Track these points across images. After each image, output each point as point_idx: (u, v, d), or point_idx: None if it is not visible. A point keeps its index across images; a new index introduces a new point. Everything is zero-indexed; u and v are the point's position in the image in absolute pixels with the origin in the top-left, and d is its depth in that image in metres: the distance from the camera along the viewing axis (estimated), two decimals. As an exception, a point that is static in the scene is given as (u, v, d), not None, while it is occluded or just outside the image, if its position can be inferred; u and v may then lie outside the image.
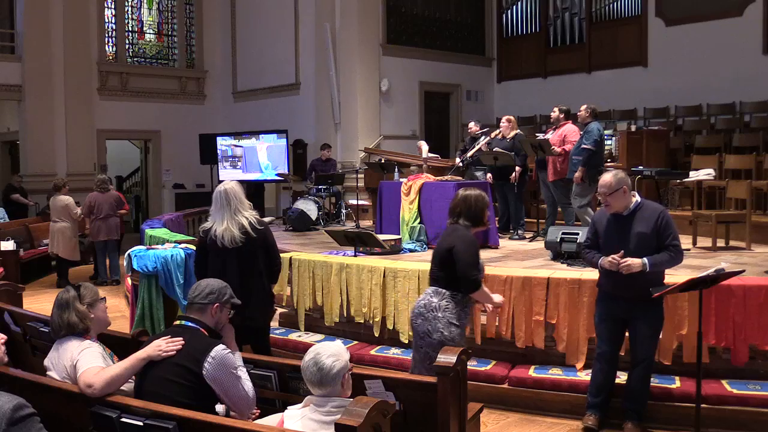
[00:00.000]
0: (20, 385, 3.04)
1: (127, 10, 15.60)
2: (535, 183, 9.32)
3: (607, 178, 4.21)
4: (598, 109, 8.45)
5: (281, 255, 6.31)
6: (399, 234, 8.30)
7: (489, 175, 8.92)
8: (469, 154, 9.28)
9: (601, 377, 4.36)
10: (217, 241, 4.19)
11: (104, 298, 3.35)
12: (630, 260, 4.03)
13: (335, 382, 2.66)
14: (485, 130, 9.85)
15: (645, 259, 4.04)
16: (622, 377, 4.47)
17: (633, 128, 10.46)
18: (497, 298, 4.15)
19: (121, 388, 2.98)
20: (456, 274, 3.85)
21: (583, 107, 8.04)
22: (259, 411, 3.22)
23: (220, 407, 3.06)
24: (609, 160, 9.22)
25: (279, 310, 6.71)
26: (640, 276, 4.08)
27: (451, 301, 3.86)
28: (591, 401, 4.39)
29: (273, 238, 4.44)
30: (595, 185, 7.84)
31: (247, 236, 4.19)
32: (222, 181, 13.84)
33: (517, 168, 8.61)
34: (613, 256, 4.06)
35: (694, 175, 8.81)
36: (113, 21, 15.34)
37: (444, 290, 3.89)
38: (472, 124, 10.06)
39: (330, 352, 2.70)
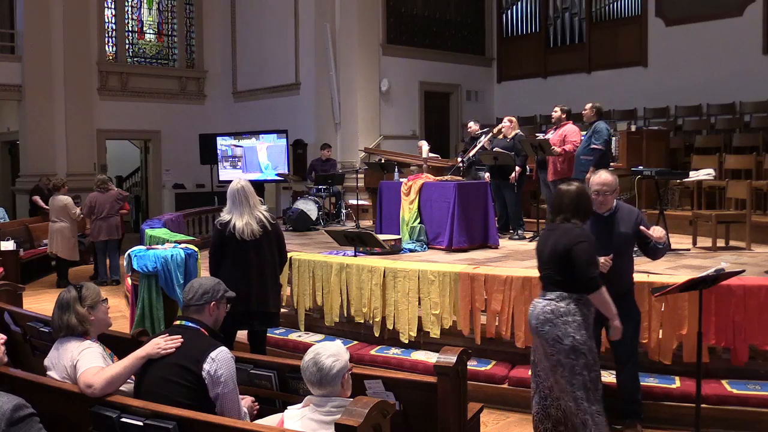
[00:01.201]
0: (20, 385, 3.04)
1: (127, 10, 15.61)
2: (534, 183, 9.32)
3: (609, 176, 4.22)
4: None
5: (281, 255, 6.34)
6: (399, 234, 8.30)
7: (486, 174, 8.93)
8: (471, 153, 9.28)
9: None
10: (236, 234, 4.47)
11: (106, 299, 3.33)
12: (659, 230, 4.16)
13: (335, 382, 2.66)
14: (485, 129, 9.85)
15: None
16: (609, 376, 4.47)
17: (633, 128, 10.46)
18: (617, 321, 3.83)
19: (121, 388, 2.98)
20: (576, 275, 3.67)
21: (588, 106, 8.00)
22: (258, 406, 3.21)
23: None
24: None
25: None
26: (621, 274, 4.12)
27: (578, 304, 3.69)
28: None
29: (282, 233, 4.84)
30: None
31: (264, 230, 4.54)
32: (225, 181, 13.90)
33: (517, 168, 8.62)
34: (604, 257, 4.01)
35: (694, 175, 8.80)
36: (113, 21, 15.35)
37: (569, 294, 3.70)
38: (471, 124, 10.07)
39: (330, 352, 2.70)
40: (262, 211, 4.58)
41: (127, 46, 15.62)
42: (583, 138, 8.14)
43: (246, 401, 3.12)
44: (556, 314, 3.69)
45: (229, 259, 4.51)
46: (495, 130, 9.16)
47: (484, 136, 9.33)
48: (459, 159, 9.71)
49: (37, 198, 12.27)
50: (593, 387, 3.70)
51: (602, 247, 4.08)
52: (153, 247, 6.68)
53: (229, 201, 4.58)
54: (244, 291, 4.23)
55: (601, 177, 4.23)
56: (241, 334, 5.68)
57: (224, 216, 4.57)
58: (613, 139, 9.91)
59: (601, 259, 4.03)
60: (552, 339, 3.69)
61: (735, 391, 4.40)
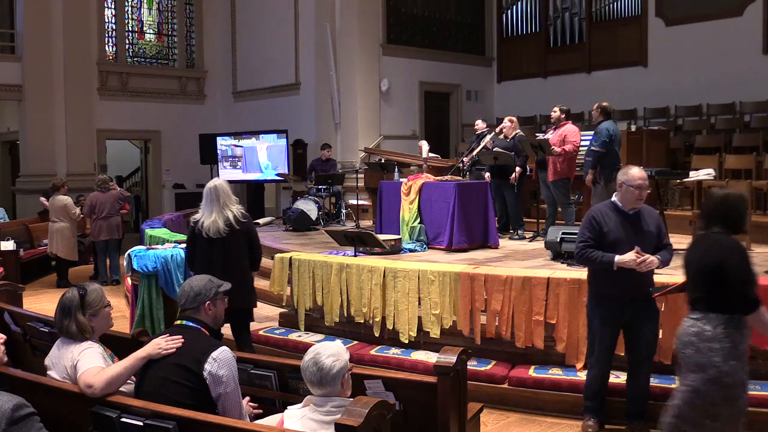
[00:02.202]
0: (20, 385, 3.04)
1: (127, 10, 15.60)
2: (535, 183, 9.32)
3: (643, 172, 4.16)
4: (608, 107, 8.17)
5: (281, 255, 6.36)
6: (399, 234, 8.30)
7: (487, 174, 8.92)
8: (475, 152, 9.27)
9: (600, 381, 4.34)
10: (203, 232, 4.70)
11: (109, 303, 3.29)
12: (651, 257, 4.01)
13: (335, 382, 2.66)
14: (486, 129, 9.84)
15: (659, 256, 4.07)
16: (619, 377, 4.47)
17: (633, 128, 10.44)
18: None
19: (122, 388, 2.98)
20: (729, 293, 3.24)
21: (595, 106, 8.00)
22: (253, 407, 3.21)
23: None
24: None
25: (279, 310, 6.72)
26: (647, 276, 4.08)
27: (728, 327, 3.23)
28: (590, 405, 4.37)
29: (255, 230, 4.99)
30: (612, 185, 7.85)
31: (231, 228, 4.71)
32: (218, 180, 13.86)
33: (517, 168, 8.62)
34: (636, 251, 3.97)
35: (694, 175, 8.80)
36: (113, 21, 15.34)
37: (717, 314, 3.25)
38: (479, 122, 10.04)
39: (330, 352, 2.70)
40: (233, 210, 4.74)
41: (127, 46, 15.61)
42: (590, 139, 8.18)
43: (244, 407, 3.11)
44: (700, 338, 3.26)
45: (198, 255, 4.80)
46: (497, 130, 9.16)
47: (488, 135, 9.31)
48: (464, 158, 9.67)
49: (43, 199, 12.12)
50: (731, 423, 3.31)
51: (627, 246, 4.05)
52: (153, 247, 6.69)
53: (203, 199, 4.82)
54: None
55: (639, 171, 4.15)
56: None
57: (197, 214, 4.83)
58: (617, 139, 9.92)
59: (632, 254, 3.97)
60: (694, 365, 3.29)
61: (735, 391, 4.39)
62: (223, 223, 4.69)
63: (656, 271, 4.26)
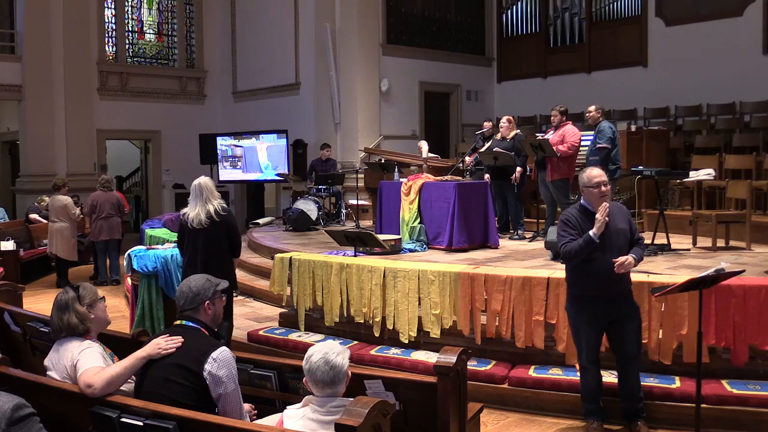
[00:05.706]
0: (20, 385, 3.04)
1: (127, 10, 15.60)
2: (534, 183, 9.33)
3: (598, 170, 4.25)
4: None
5: (281, 255, 6.36)
6: (399, 234, 8.30)
7: (487, 175, 8.92)
8: (479, 151, 9.25)
9: (595, 382, 4.32)
10: (188, 223, 5.26)
11: (103, 297, 3.34)
12: (628, 259, 4.05)
13: (345, 379, 2.70)
14: (483, 130, 9.83)
15: (633, 255, 4.11)
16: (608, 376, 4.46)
17: (633, 128, 10.44)
18: None
19: (121, 388, 2.98)
20: None
21: (593, 107, 8.15)
22: (256, 412, 3.21)
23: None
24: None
25: (279, 310, 6.72)
26: (625, 274, 4.13)
27: None
28: (590, 408, 4.35)
29: (234, 222, 5.52)
30: (615, 183, 7.93)
31: (212, 220, 5.23)
32: (225, 181, 13.90)
33: (518, 168, 8.62)
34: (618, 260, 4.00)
35: (694, 175, 8.79)
36: (113, 21, 15.34)
37: None
38: (487, 123, 10.03)
39: (337, 351, 2.72)
40: (214, 204, 5.27)
41: (127, 46, 15.61)
42: (590, 139, 8.24)
43: (244, 407, 3.11)
44: None
45: (186, 244, 5.37)
46: (499, 136, 9.13)
47: (493, 138, 9.29)
48: (467, 158, 9.65)
49: (36, 216, 11.70)
50: None
51: (604, 246, 4.08)
52: (153, 247, 6.70)
53: (190, 194, 5.36)
54: (191, 271, 4.72)
55: (594, 170, 4.25)
56: (240, 334, 5.67)
57: (186, 208, 5.37)
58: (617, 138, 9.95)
59: (600, 210, 4.01)
60: None
61: (735, 391, 4.40)
62: (205, 216, 5.22)
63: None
